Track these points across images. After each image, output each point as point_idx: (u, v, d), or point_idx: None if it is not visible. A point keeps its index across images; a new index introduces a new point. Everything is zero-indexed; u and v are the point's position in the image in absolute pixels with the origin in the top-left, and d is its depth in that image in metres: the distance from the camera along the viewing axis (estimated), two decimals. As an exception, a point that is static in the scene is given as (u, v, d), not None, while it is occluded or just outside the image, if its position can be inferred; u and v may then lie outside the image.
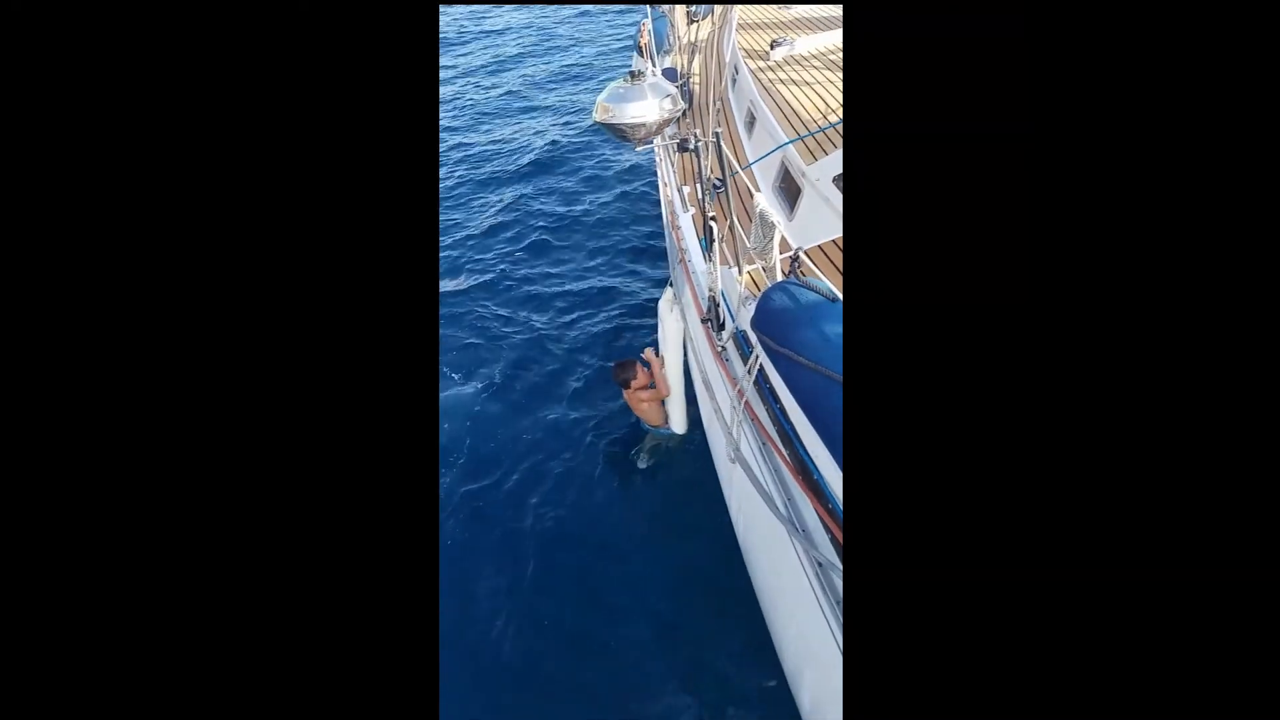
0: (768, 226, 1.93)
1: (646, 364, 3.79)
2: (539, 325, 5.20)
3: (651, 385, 3.76)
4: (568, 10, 13.13)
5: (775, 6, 4.68)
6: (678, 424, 3.80)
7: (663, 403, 3.83)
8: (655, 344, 3.89)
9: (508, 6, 13.33)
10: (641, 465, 3.84)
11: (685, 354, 3.65)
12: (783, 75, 3.77)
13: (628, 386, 3.76)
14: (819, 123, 3.20)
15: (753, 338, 1.92)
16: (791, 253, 1.89)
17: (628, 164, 7.62)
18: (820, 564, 1.86)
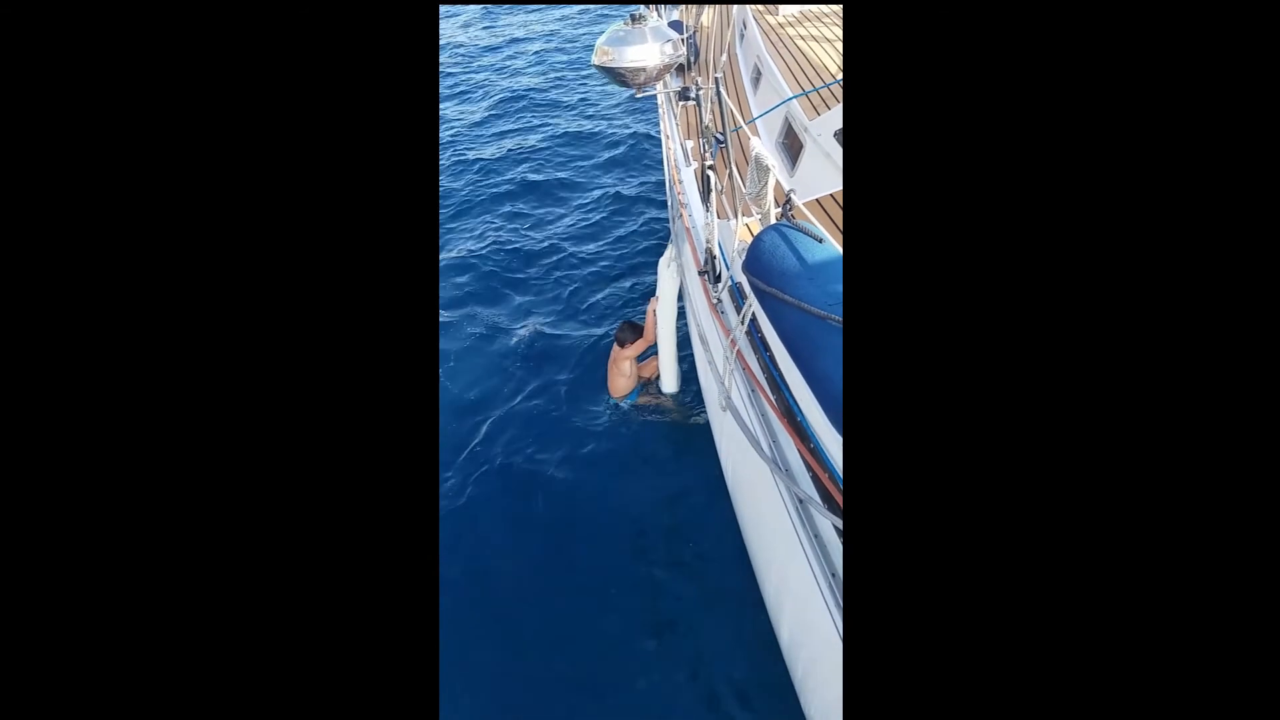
0: (763, 170, 1.96)
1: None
2: (534, 278, 5.25)
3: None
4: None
5: None
6: (669, 383, 3.86)
7: (641, 368, 3.86)
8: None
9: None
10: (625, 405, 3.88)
11: (677, 316, 3.69)
12: (790, 32, 3.72)
13: (623, 346, 3.79)
14: (824, 80, 3.18)
15: (744, 283, 1.96)
16: (785, 197, 1.92)
17: (629, 114, 7.54)
18: (801, 500, 1.94)
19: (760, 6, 4.00)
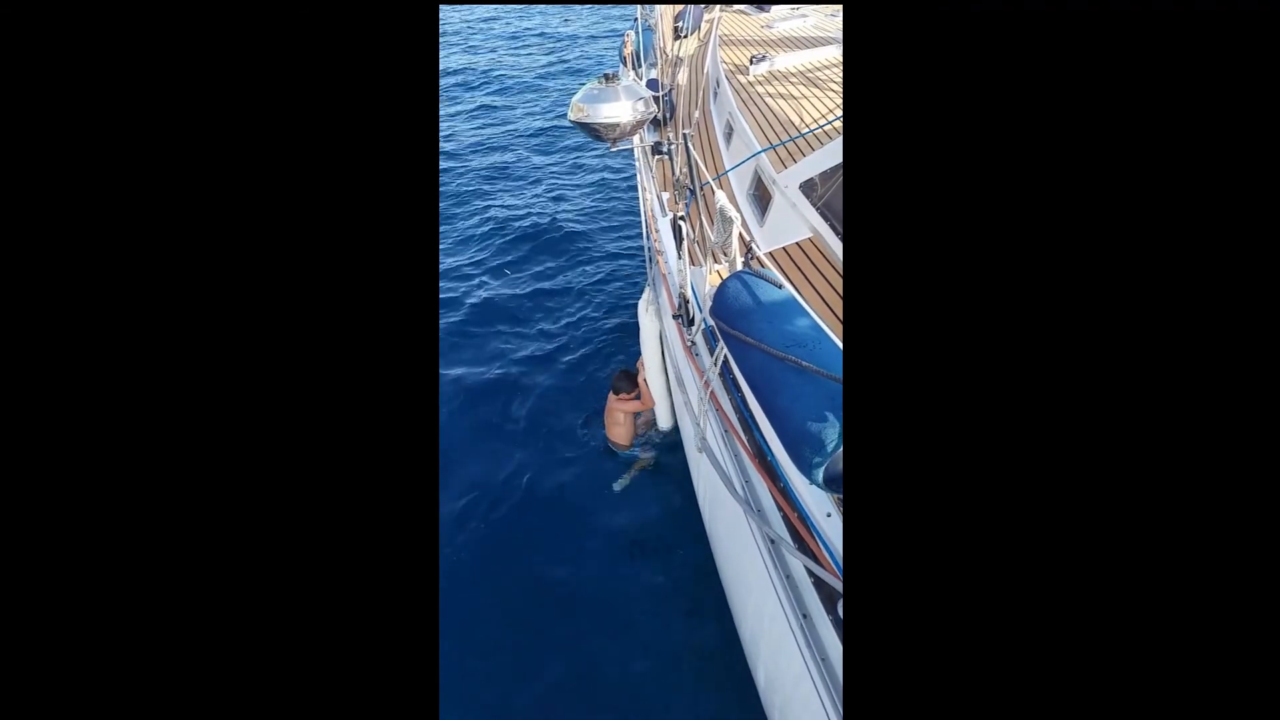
0: (727, 221, 2.05)
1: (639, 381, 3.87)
2: (515, 322, 5.31)
3: (637, 397, 3.86)
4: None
5: (758, 26, 4.87)
6: (664, 418, 3.91)
7: (635, 417, 3.92)
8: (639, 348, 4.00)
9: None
10: (617, 489, 3.87)
11: (663, 353, 3.76)
12: (761, 90, 3.93)
13: (618, 394, 3.84)
14: (790, 134, 3.36)
15: (712, 323, 2.03)
16: (748, 247, 2.02)
17: (608, 169, 7.79)
18: (773, 540, 1.96)
19: (733, 65, 4.23)
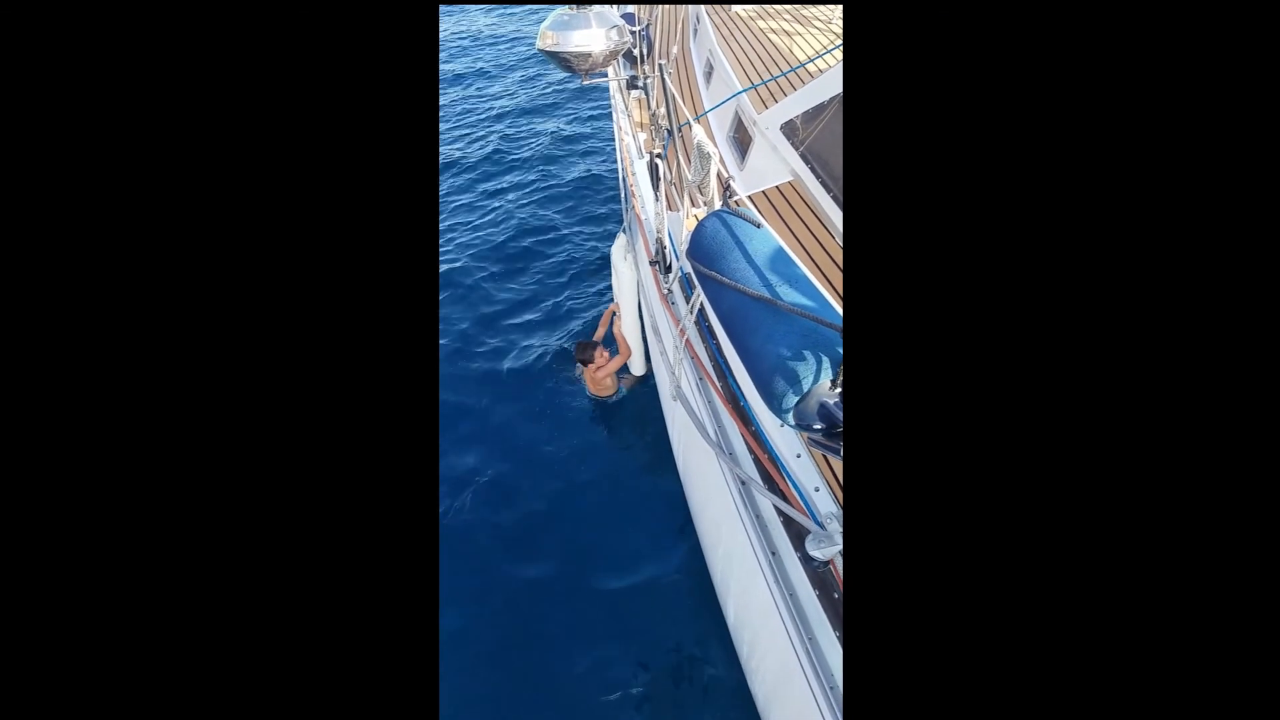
0: (704, 158, 1.98)
1: (610, 341, 3.84)
2: (482, 270, 5.21)
3: (613, 352, 3.82)
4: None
5: None
6: (637, 366, 3.90)
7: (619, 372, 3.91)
8: (612, 295, 3.95)
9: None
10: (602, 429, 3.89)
11: (639, 299, 3.72)
12: (743, 26, 3.78)
13: (589, 364, 3.83)
14: (774, 74, 3.25)
15: (688, 269, 1.99)
16: (726, 185, 1.96)
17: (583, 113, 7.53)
18: (744, 482, 1.98)
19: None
